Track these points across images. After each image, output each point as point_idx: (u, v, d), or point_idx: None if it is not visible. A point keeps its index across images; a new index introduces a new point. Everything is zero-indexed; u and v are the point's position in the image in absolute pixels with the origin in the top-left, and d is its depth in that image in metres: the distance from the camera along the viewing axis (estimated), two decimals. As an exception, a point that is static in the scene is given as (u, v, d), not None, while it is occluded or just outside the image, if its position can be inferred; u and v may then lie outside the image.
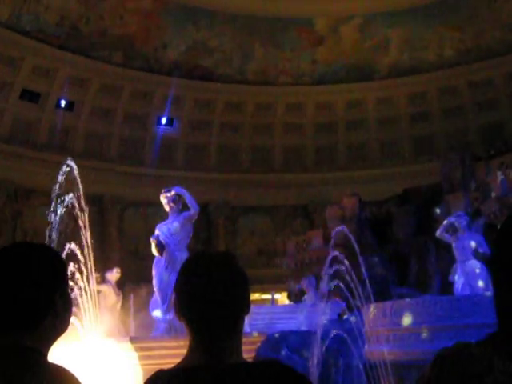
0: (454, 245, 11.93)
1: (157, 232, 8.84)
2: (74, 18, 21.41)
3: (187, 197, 8.93)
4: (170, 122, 24.39)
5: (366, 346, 9.76)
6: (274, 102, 25.01)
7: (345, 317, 12.21)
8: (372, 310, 10.10)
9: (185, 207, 9.04)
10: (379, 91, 24.84)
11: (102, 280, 13.79)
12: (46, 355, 1.73)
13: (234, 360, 1.75)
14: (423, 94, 24.78)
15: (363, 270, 14.06)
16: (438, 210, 15.29)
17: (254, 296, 22.55)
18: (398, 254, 15.03)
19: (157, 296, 8.75)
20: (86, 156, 22.42)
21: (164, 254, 8.61)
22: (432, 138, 24.95)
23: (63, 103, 22.23)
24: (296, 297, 16.93)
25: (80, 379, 1.71)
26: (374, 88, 24.76)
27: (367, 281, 13.29)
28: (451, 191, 15.39)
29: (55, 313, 1.76)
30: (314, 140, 25.61)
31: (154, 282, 8.76)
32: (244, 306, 1.80)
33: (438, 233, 12.20)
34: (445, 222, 12.10)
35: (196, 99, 24.15)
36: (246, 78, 24.48)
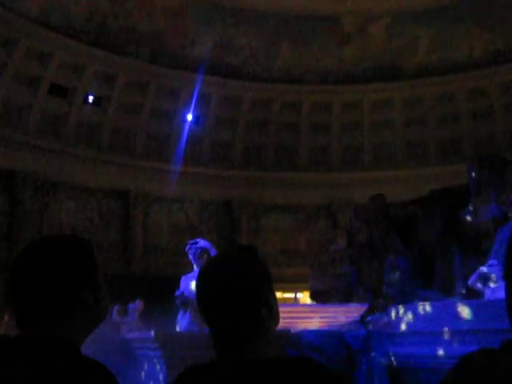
0: (486, 295, 11.56)
1: (181, 287, 8.72)
2: (102, 15, 21.61)
3: (212, 252, 8.88)
4: (195, 119, 24.48)
5: (390, 348, 9.68)
6: (301, 101, 24.93)
7: (368, 318, 12.12)
8: (396, 312, 10.01)
9: None
10: (406, 91, 24.62)
11: (125, 312, 13.29)
12: (79, 346, 1.72)
13: (254, 357, 1.72)
14: (451, 94, 24.49)
15: (387, 271, 13.95)
16: (464, 213, 15.08)
17: (276, 295, 22.52)
18: (423, 256, 14.86)
19: None
20: (112, 151, 22.65)
21: (188, 310, 8.51)
22: (460, 140, 24.65)
23: (91, 98, 22.45)
24: (318, 296, 16.85)
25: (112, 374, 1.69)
26: (401, 88, 24.54)
27: (391, 282, 13.18)
28: (478, 194, 15.16)
29: (83, 303, 1.76)
30: (340, 139, 25.47)
31: None
32: (255, 303, 1.77)
33: (470, 281, 11.84)
34: (477, 270, 11.73)
35: (222, 97, 24.18)
36: (272, 75, 24.45)
